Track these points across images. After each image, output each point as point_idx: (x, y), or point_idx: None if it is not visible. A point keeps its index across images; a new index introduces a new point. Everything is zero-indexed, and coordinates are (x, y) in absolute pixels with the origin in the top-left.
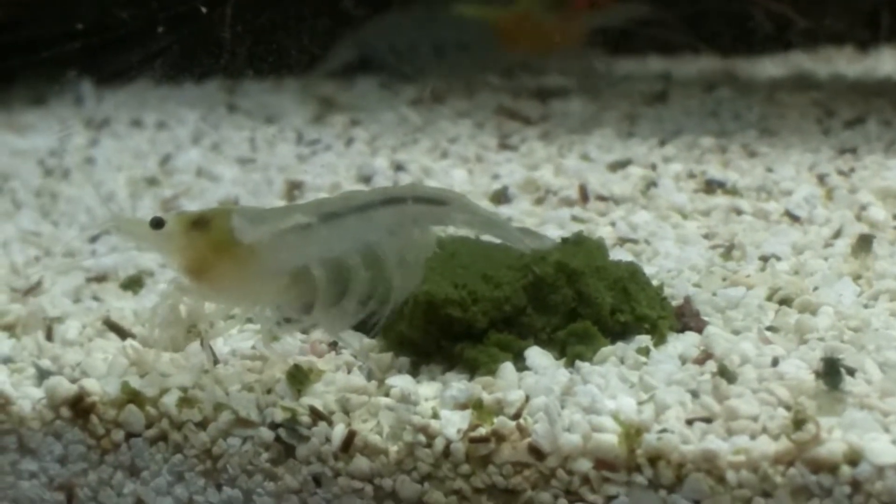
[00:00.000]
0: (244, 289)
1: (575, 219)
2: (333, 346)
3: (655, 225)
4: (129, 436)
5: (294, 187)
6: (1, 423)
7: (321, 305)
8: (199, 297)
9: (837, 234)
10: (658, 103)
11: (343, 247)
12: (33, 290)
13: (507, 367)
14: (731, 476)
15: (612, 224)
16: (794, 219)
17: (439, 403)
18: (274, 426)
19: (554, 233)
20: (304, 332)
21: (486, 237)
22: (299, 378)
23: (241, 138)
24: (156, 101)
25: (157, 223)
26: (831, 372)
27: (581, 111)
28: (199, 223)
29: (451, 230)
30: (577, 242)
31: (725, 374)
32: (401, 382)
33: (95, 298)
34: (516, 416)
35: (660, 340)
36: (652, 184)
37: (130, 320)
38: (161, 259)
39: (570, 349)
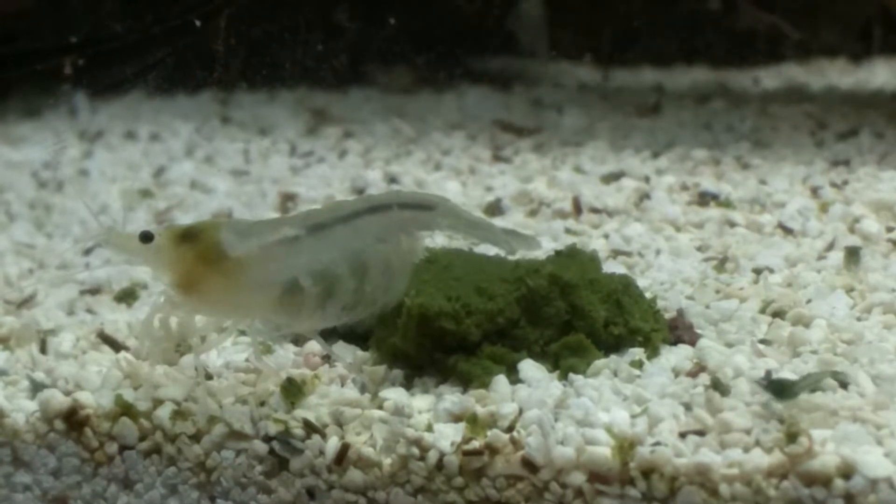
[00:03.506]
0: (234, 302)
1: (568, 231)
2: (327, 359)
3: (649, 237)
4: (123, 448)
5: (288, 199)
6: None
7: (308, 314)
8: (189, 311)
9: (830, 247)
10: (651, 115)
11: (331, 257)
12: (27, 302)
13: (501, 380)
14: (724, 489)
15: (606, 236)
16: (788, 231)
17: (433, 416)
18: (268, 439)
19: (547, 245)
20: (297, 343)
21: (476, 244)
22: (293, 391)
23: (235, 150)
24: (149, 113)
25: (146, 237)
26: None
27: (574, 123)
28: (188, 237)
29: (440, 237)
30: (571, 255)
31: (718, 386)
32: (394, 395)
33: (89, 311)
34: (510, 429)
35: (653, 353)
36: (645, 196)
37: (124, 333)
38: (152, 272)
39: (564, 362)
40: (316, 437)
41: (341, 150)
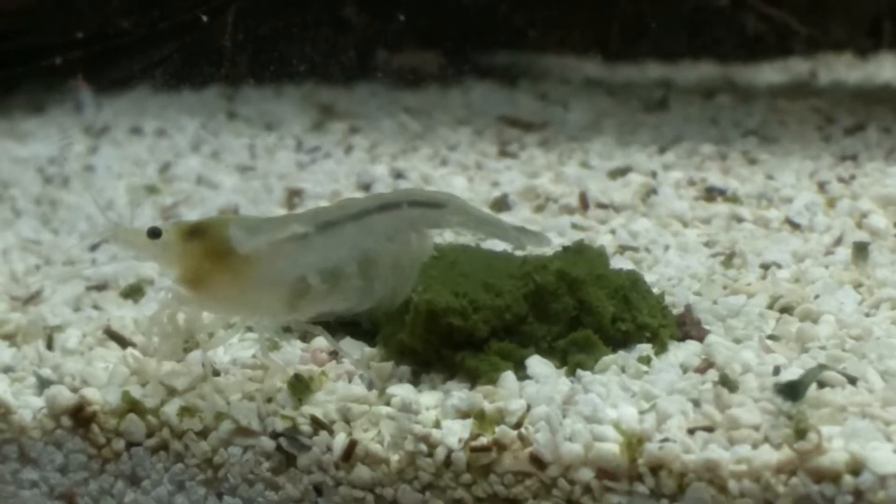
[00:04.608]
0: (241, 298)
1: (575, 226)
2: (334, 355)
3: (656, 233)
4: (130, 445)
5: (294, 195)
6: (2, 433)
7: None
8: (197, 307)
9: (838, 242)
10: (658, 110)
11: (340, 255)
12: (33, 298)
13: (509, 376)
14: (733, 485)
15: (613, 232)
16: (795, 226)
17: (440, 412)
18: (275, 435)
19: (554, 241)
20: (304, 339)
21: (483, 240)
22: (300, 387)
23: (241, 146)
24: (155, 109)
25: (154, 233)
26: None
27: (581, 118)
28: (196, 233)
29: (448, 233)
30: (578, 251)
31: (727, 382)
32: (402, 391)
33: (96, 307)
34: (517, 426)
35: (661, 349)
36: (652, 191)
37: (131, 329)
38: (159, 268)
39: (572, 358)
40: (323, 434)
41: (347, 146)
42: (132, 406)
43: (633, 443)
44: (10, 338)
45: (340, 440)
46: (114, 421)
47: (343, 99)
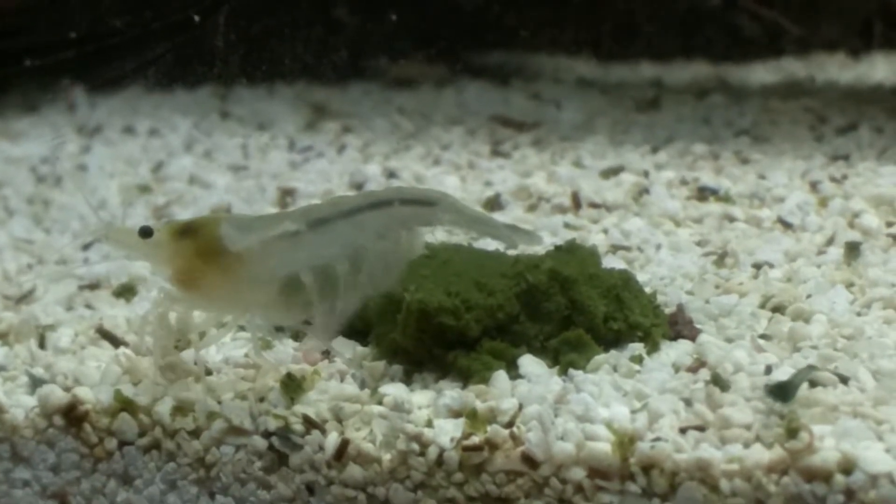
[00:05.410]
0: (234, 297)
1: (567, 226)
2: (326, 354)
3: (648, 232)
4: (123, 444)
5: (286, 194)
6: None
7: (314, 312)
8: (189, 306)
9: (830, 242)
10: (650, 110)
11: (332, 252)
12: (26, 297)
13: (501, 376)
14: (724, 485)
15: (605, 231)
16: (787, 226)
17: (433, 412)
18: (267, 434)
19: (547, 240)
20: (296, 338)
21: (476, 239)
22: (292, 386)
23: (234, 145)
24: (148, 108)
25: (146, 232)
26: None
27: (573, 118)
28: (188, 232)
29: (440, 232)
30: (570, 250)
31: (719, 382)
32: (394, 391)
33: (88, 306)
34: (510, 425)
35: (653, 348)
36: (644, 191)
37: (123, 328)
38: (151, 267)
39: (564, 357)
40: (315, 433)
41: (340, 145)
42: (124, 405)
43: (625, 442)
44: (3, 337)
45: (332, 439)
46: (106, 420)
47: (336, 98)
